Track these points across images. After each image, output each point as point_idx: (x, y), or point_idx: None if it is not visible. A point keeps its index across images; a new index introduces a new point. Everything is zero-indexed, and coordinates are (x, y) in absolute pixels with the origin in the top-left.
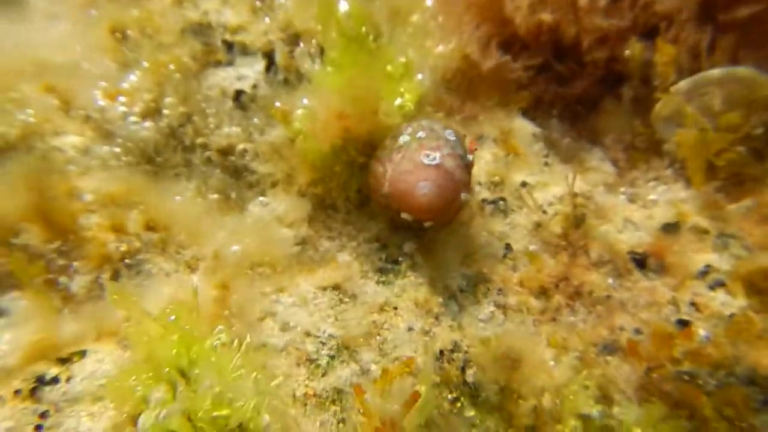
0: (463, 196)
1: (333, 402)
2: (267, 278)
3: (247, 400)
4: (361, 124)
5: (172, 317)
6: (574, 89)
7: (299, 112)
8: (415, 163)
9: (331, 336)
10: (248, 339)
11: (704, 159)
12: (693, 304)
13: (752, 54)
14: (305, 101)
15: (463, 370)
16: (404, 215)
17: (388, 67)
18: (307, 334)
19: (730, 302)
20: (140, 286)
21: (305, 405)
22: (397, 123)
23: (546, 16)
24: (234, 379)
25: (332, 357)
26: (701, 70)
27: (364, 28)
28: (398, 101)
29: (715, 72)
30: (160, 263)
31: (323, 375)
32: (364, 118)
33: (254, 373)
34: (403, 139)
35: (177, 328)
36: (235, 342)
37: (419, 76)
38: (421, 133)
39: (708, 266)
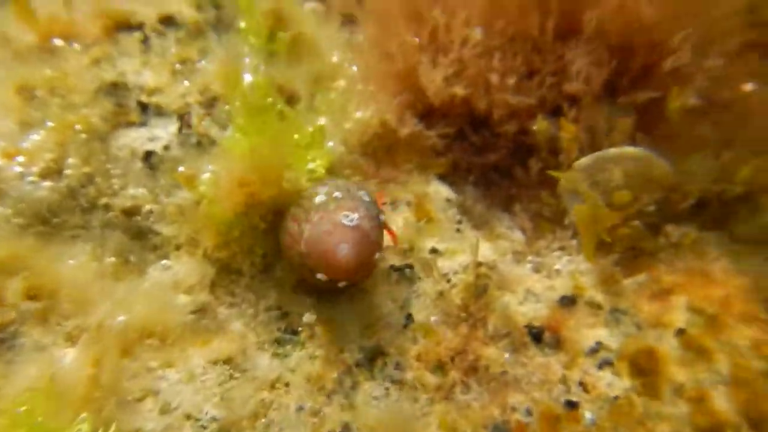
0: (377, 255)
1: None
2: (155, 351)
3: None
4: (264, 189)
5: (22, 408)
6: (487, 159)
7: (205, 176)
8: (334, 224)
9: (213, 419)
10: (113, 429)
11: (595, 234)
12: (581, 383)
13: (647, 135)
14: (210, 167)
15: None
16: (319, 275)
17: (295, 136)
18: (188, 417)
19: (615, 383)
20: (11, 363)
21: None
22: (303, 188)
23: (459, 90)
24: None
25: None
26: (600, 148)
27: (270, 99)
28: (310, 165)
29: (611, 151)
30: (36, 336)
31: None
32: (268, 184)
33: None
34: (320, 198)
35: (28, 421)
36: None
37: (330, 144)
38: (337, 194)
39: (599, 343)
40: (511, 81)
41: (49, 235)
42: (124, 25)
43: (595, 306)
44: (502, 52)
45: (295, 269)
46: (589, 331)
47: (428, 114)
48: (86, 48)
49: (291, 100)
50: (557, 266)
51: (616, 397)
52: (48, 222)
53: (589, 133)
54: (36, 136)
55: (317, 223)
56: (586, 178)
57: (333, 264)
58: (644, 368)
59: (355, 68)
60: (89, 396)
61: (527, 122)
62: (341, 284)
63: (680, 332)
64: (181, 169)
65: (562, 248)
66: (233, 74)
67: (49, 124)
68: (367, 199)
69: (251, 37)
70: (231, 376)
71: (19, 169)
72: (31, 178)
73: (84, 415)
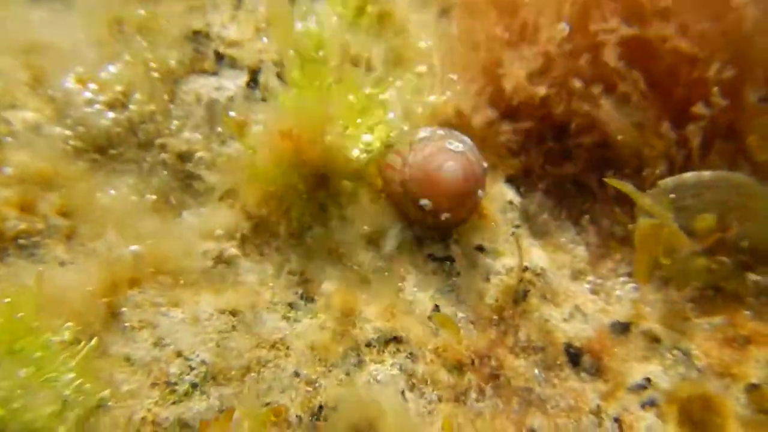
0: (480, 192)
1: None
2: (166, 288)
3: (40, 407)
4: (308, 147)
5: (5, 300)
6: (563, 169)
7: (256, 128)
8: (439, 148)
9: (202, 362)
10: (93, 342)
11: (652, 253)
12: (618, 420)
13: (750, 162)
14: (258, 117)
15: None
16: (423, 202)
17: (350, 97)
18: (179, 354)
19: (658, 428)
20: (25, 269)
21: (137, 431)
22: (352, 157)
23: (541, 90)
24: (41, 382)
25: (194, 385)
26: (691, 169)
27: (321, 52)
28: (366, 137)
29: (705, 173)
30: (58, 252)
31: (174, 403)
32: (312, 140)
33: (77, 381)
34: (423, 134)
35: (7, 313)
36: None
37: (390, 115)
38: (440, 131)
39: (647, 379)
40: (598, 90)
41: (100, 164)
42: None
43: (651, 338)
44: (591, 56)
45: (398, 203)
46: (639, 365)
47: (506, 112)
48: None
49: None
50: (618, 292)
51: None
52: (103, 151)
53: (682, 150)
54: (112, 68)
55: (421, 149)
56: (671, 200)
57: (440, 182)
58: (697, 419)
59: (438, 54)
60: (82, 310)
61: (611, 134)
62: (444, 216)
63: (753, 388)
64: (232, 114)
65: (629, 274)
66: (285, 21)
67: (127, 58)
68: (470, 142)
69: (338, 6)
70: (234, 327)
71: (88, 95)
72: (97, 106)
73: (69, 323)
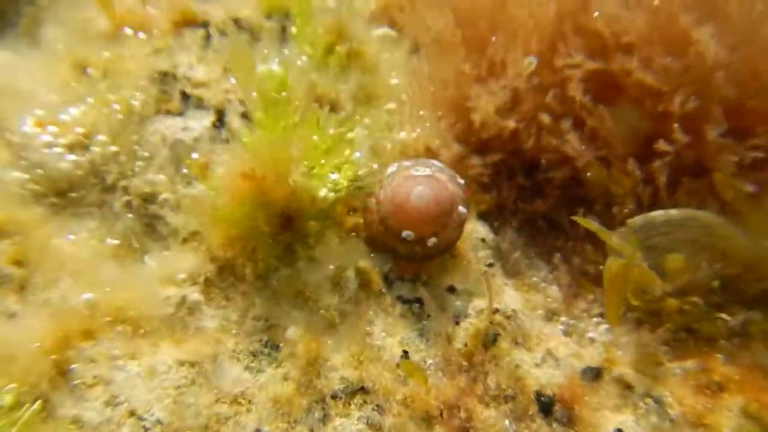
0: (461, 209)
1: None
2: (123, 339)
3: None
4: (276, 188)
5: None
6: (534, 205)
7: (220, 169)
8: (405, 177)
9: (157, 421)
10: (36, 405)
11: (622, 293)
12: None
13: (720, 201)
14: (221, 158)
15: None
16: (405, 234)
17: (314, 137)
18: (132, 413)
19: None
20: None
21: None
22: (318, 196)
23: (510, 123)
24: None
25: None
26: (659, 207)
27: (284, 93)
28: (333, 176)
29: (673, 212)
30: (7, 302)
31: None
32: (275, 181)
33: None
34: (391, 169)
35: None
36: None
37: (357, 154)
38: (407, 162)
39: (619, 430)
40: (567, 125)
41: (60, 208)
42: (191, 23)
43: (623, 385)
44: (559, 91)
45: (384, 243)
46: (610, 414)
47: (476, 148)
48: (150, 39)
49: (331, 110)
50: (591, 334)
51: None
52: (63, 195)
53: (649, 188)
54: (74, 110)
55: (389, 183)
56: (641, 239)
57: (411, 210)
58: None
59: (407, 91)
60: (28, 368)
61: (581, 170)
62: (431, 242)
63: None
64: (194, 156)
65: (602, 315)
66: (245, 62)
67: (89, 100)
68: (439, 164)
69: (306, 46)
70: (193, 381)
71: (47, 138)
72: (57, 149)
73: (12, 385)
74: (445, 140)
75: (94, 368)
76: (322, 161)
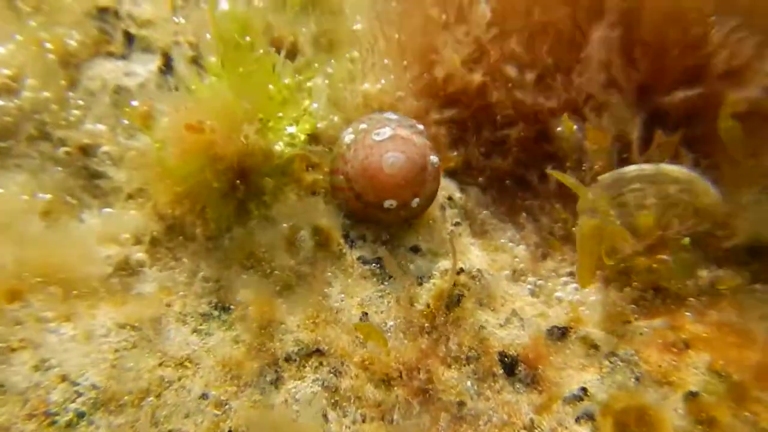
0: (433, 158)
1: None
2: (55, 301)
3: None
4: (227, 143)
5: None
6: (501, 164)
7: (165, 120)
8: (370, 146)
9: (93, 386)
10: None
11: (595, 253)
12: None
13: (693, 154)
14: (166, 107)
15: None
16: (387, 203)
17: (270, 87)
18: (63, 378)
19: None
20: None
21: None
22: (273, 151)
23: (477, 77)
24: None
25: (81, 415)
26: (633, 163)
27: (247, 38)
28: (290, 129)
29: (646, 167)
30: None
31: None
32: (226, 135)
33: None
34: (348, 137)
35: None
36: None
37: (315, 105)
38: (362, 125)
39: (583, 389)
40: (530, 77)
41: None
42: None
43: (589, 344)
44: (522, 39)
45: (368, 217)
46: (575, 374)
47: (442, 103)
48: None
49: (289, 55)
50: (559, 293)
51: None
52: None
53: (621, 144)
54: (1, 50)
55: (354, 156)
56: (611, 196)
57: (385, 180)
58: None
59: (372, 38)
60: None
61: (549, 125)
62: (415, 202)
63: (691, 396)
64: (134, 103)
65: (571, 274)
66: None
67: (18, 38)
68: (394, 116)
69: None
70: (135, 345)
71: None
72: None
73: None
74: (410, 92)
75: (20, 331)
76: (279, 114)
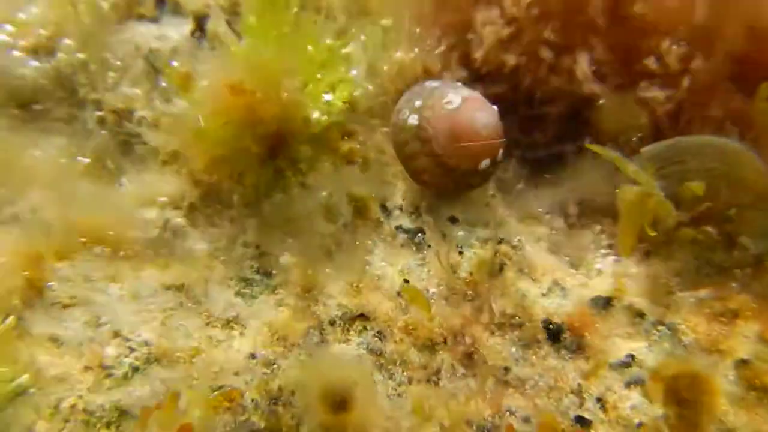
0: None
1: (107, 425)
2: (102, 260)
3: None
4: (266, 105)
5: None
6: (538, 137)
7: (204, 82)
8: (448, 115)
9: (145, 343)
10: (10, 320)
11: (637, 223)
12: (600, 399)
13: (740, 127)
14: (205, 68)
15: (298, 424)
16: (483, 164)
17: (309, 48)
18: (117, 334)
19: (643, 407)
20: None
21: (65, 421)
22: (311, 117)
23: (510, 58)
24: None
25: (136, 369)
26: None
27: None
28: (327, 97)
29: (690, 139)
30: None
31: (111, 388)
32: (267, 97)
33: None
34: (412, 119)
35: None
36: None
37: (354, 72)
38: (416, 102)
39: (630, 356)
40: (568, 62)
41: (22, 120)
42: None
43: (635, 313)
44: (560, 22)
45: (458, 187)
46: (622, 342)
47: (476, 77)
48: None
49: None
50: (599, 265)
51: (641, 424)
52: (26, 106)
53: (666, 118)
54: (34, 9)
55: (435, 133)
56: (655, 168)
57: (484, 138)
58: (684, 398)
59: (406, 6)
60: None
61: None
62: (500, 155)
63: (742, 364)
64: (174, 63)
65: (610, 246)
66: None
67: None
68: (437, 83)
69: None
70: (181, 304)
71: (4, 38)
72: (16, 53)
73: None
74: (446, 63)
75: (71, 288)
76: (318, 76)
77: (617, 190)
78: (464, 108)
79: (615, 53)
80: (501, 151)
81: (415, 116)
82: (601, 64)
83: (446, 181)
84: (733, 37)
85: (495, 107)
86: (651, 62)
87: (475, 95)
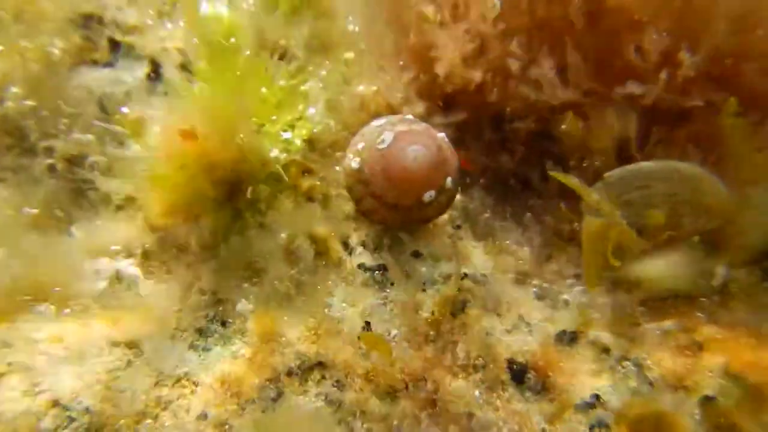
0: (440, 134)
1: None
2: (46, 319)
3: None
4: (222, 149)
5: None
6: (504, 162)
7: (155, 128)
8: (382, 155)
9: (86, 410)
10: None
11: (600, 254)
12: None
13: (700, 151)
14: (157, 114)
15: None
16: (427, 196)
17: (263, 90)
18: (55, 404)
19: None
20: None
21: None
22: (267, 158)
23: (477, 75)
24: None
25: None
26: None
27: (233, 39)
28: (285, 135)
29: (652, 164)
30: None
31: None
32: (226, 141)
33: None
34: (355, 163)
35: None
36: None
37: (311, 111)
38: (360, 145)
39: (596, 396)
40: (536, 72)
41: None
42: None
43: (600, 348)
44: (527, 36)
45: (410, 221)
46: (587, 380)
47: (438, 99)
48: None
49: (281, 59)
50: (566, 296)
51: None
52: None
53: (624, 142)
54: None
55: (372, 174)
56: (617, 194)
57: (416, 174)
58: None
59: (366, 39)
60: None
61: (551, 123)
62: (449, 182)
63: (707, 401)
64: (124, 110)
65: (577, 276)
66: (190, 3)
67: None
68: (382, 120)
69: None
70: (129, 363)
71: None
72: None
73: None
74: (408, 96)
75: (9, 354)
76: (273, 117)
77: (581, 222)
78: (394, 145)
79: (588, 57)
80: (449, 178)
81: (357, 159)
82: (573, 70)
83: (395, 218)
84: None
85: (440, 134)
86: (631, 52)
87: (412, 128)
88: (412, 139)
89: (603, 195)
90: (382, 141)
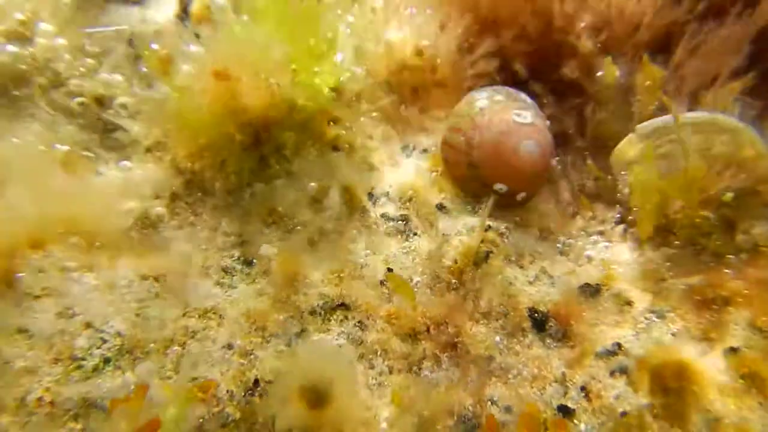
0: (553, 161)
1: (74, 418)
2: (77, 251)
3: None
4: (249, 92)
5: None
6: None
7: (185, 66)
8: (508, 124)
9: (117, 333)
10: None
11: (657, 209)
12: (584, 388)
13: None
14: (192, 49)
15: (275, 416)
16: (498, 186)
17: (311, 40)
18: (88, 325)
19: (628, 396)
20: None
21: (30, 414)
22: (299, 106)
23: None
24: None
25: (107, 360)
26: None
27: None
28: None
29: (689, 115)
30: None
31: (80, 380)
32: (259, 87)
33: None
34: (481, 103)
35: None
36: None
37: (338, 57)
38: (498, 96)
39: (617, 344)
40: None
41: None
42: None
43: (623, 301)
44: None
45: (464, 184)
46: (609, 330)
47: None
48: None
49: None
50: (588, 252)
51: (624, 413)
52: (4, 92)
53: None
54: None
55: (487, 126)
56: (650, 146)
57: (515, 165)
58: (670, 386)
59: None
60: None
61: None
62: (520, 197)
63: (732, 352)
64: (154, 46)
65: (601, 233)
66: None
67: None
68: (530, 100)
69: None
70: (157, 295)
71: None
72: None
73: None
74: (438, 39)
75: (44, 279)
76: (316, 69)
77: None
78: (523, 128)
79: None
80: (524, 192)
81: (485, 102)
82: None
83: (464, 175)
84: None
85: (551, 150)
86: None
87: (540, 122)
88: (536, 137)
89: (642, 146)
90: (520, 115)
